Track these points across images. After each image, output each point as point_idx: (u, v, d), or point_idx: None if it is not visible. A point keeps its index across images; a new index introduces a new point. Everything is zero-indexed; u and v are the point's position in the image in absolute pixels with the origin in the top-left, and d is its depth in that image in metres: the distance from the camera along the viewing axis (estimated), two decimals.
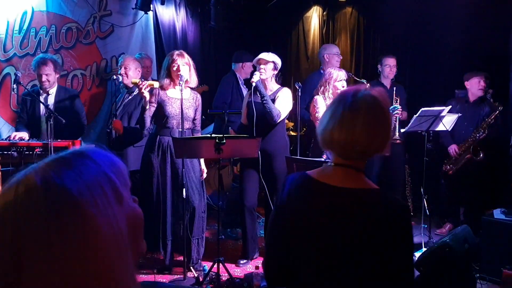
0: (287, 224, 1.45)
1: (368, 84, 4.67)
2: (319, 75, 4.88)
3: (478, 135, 4.69)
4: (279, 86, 4.14)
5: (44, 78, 4.24)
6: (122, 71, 4.38)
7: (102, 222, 0.67)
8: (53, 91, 4.34)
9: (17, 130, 4.25)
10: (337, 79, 4.02)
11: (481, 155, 4.70)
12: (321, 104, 4.01)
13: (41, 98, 4.25)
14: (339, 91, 3.96)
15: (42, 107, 4.26)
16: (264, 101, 3.87)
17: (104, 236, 0.68)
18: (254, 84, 3.87)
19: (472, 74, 4.87)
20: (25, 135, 4.03)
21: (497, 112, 4.66)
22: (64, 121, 3.75)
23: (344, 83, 4.02)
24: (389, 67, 5.12)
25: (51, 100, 4.30)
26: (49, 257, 0.65)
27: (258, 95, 3.91)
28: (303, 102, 4.71)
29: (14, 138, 3.95)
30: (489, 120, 4.68)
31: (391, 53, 5.33)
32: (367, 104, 1.40)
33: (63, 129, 3.88)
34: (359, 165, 1.45)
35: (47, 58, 4.30)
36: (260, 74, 3.93)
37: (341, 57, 5.38)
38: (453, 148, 4.85)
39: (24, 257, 0.64)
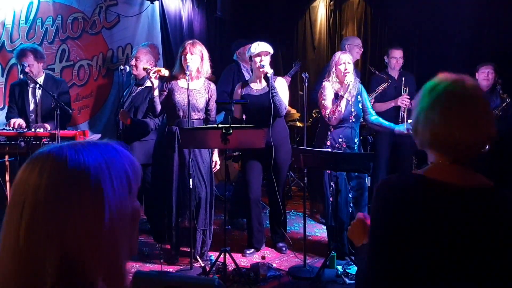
0: (412, 232, 1.27)
1: (389, 81, 4.73)
2: None
3: None
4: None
5: (26, 69, 4.13)
6: (133, 62, 4.36)
7: (113, 199, 0.79)
8: (40, 80, 4.24)
9: (8, 119, 4.19)
10: (339, 62, 3.92)
11: (487, 147, 4.65)
12: (329, 91, 3.96)
13: (29, 89, 4.21)
14: (343, 75, 3.91)
15: (30, 97, 4.23)
16: (274, 94, 3.83)
17: (113, 211, 0.79)
18: (269, 75, 3.83)
19: (481, 65, 4.85)
20: (21, 121, 4.01)
21: (505, 104, 4.61)
22: (71, 111, 3.74)
23: (348, 66, 3.90)
24: (395, 59, 5.08)
25: (38, 90, 4.24)
26: (59, 211, 0.76)
27: (267, 87, 3.88)
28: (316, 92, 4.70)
29: (14, 125, 3.92)
30: (497, 112, 4.63)
31: (398, 43, 5.28)
32: (479, 97, 1.29)
33: (51, 118, 3.82)
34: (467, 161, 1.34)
35: (26, 49, 4.20)
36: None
37: (362, 49, 5.37)
38: None
39: (39, 210, 0.76)
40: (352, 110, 3.94)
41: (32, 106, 4.23)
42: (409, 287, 1.28)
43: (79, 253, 0.76)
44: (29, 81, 4.24)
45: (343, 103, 3.85)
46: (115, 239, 0.80)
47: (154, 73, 3.73)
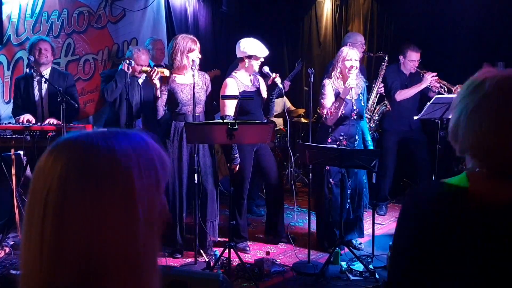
0: (435, 252, 1.08)
1: (386, 57, 4.83)
2: None
3: None
4: None
5: (43, 51, 4.19)
6: (133, 63, 4.38)
7: (140, 189, 0.71)
8: (46, 73, 4.23)
9: (15, 115, 4.20)
10: (346, 57, 3.85)
11: None
12: (329, 90, 3.92)
13: (35, 82, 4.21)
14: (348, 72, 3.85)
15: (36, 91, 4.23)
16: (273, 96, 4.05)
17: (140, 204, 0.71)
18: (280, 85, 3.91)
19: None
20: (30, 117, 4.02)
21: None
22: (76, 105, 3.74)
23: (355, 63, 3.85)
24: (413, 62, 4.98)
25: (44, 84, 4.23)
26: (88, 204, 0.68)
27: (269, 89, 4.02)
28: None
29: (23, 121, 3.93)
30: None
31: (417, 44, 5.09)
32: (499, 90, 1.06)
33: (58, 112, 3.78)
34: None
35: (43, 38, 4.37)
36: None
37: (365, 47, 5.28)
38: None
39: (66, 202, 0.68)
40: (354, 108, 3.94)
41: (37, 100, 4.23)
42: None
43: (104, 257, 0.68)
44: (34, 75, 4.22)
45: (342, 106, 3.83)
46: (144, 228, 0.71)
47: (156, 74, 3.66)
